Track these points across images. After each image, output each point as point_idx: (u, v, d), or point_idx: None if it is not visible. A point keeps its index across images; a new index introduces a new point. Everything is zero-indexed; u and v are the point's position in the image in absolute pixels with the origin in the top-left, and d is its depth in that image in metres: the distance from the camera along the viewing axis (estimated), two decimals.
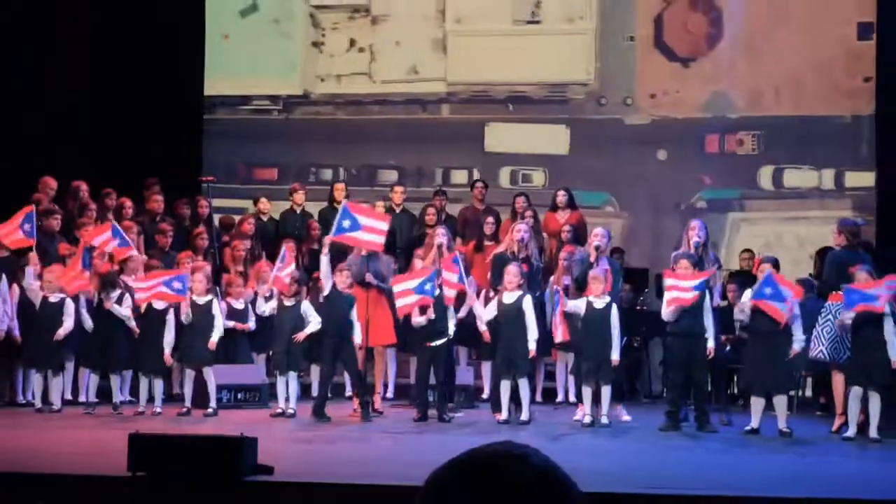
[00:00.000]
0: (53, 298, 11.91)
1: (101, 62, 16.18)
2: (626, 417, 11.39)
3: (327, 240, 11.73)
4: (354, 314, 11.48)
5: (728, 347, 11.88)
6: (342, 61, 16.85)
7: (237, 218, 14.83)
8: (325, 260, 11.63)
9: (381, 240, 11.64)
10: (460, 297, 11.90)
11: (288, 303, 11.83)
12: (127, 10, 16.22)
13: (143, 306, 11.90)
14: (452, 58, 16.58)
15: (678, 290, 10.81)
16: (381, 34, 16.74)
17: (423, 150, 16.57)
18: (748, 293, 10.83)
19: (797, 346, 10.62)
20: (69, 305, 11.90)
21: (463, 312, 11.91)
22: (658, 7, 16.25)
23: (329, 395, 12.88)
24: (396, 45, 16.70)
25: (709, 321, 10.81)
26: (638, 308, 13.41)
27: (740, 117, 15.99)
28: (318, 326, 11.78)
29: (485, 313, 11.48)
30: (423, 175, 16.44)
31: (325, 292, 11.56)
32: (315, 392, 13.07)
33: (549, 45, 16.40)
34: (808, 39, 15.71)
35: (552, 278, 12.16)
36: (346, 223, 11.45)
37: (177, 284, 11.66)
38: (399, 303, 11.35)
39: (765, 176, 15.90)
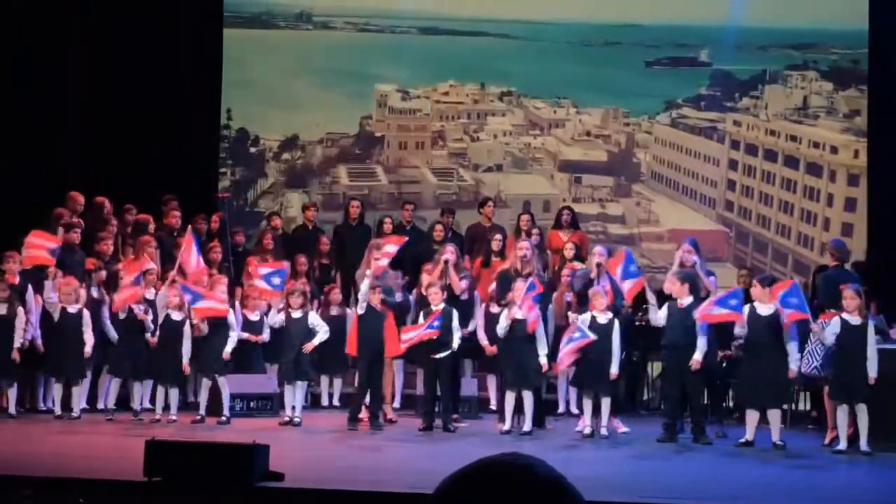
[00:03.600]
0: (72, 309, 11.94)
1: (123, 81, 16.22)
2: (624, 429, 11.35)
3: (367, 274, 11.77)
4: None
5: (724, 363, 11.83)
6: None
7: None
8: (364, 284, 11.60)
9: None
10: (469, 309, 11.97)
11: (296, 314, 11.82)
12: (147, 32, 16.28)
13: (161, 317, 11.95)
14: None
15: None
16: None
17: None
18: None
19: (794, 365, 10.58)
20: (88, 317, 11.92)
21: (471, 326, 11.89)
22: None
23: (339, 404, 12.93)
24: None
25: (701, 335, 10.78)
26: (637, 323, 13.38)
27: None
28: (326, 336, 11.82)
29: (498, 328, 11.40)
30: None
31: (361, 311, 11.56)
32: (326, 401, 13.17)
33: None
34: None
35: (555, 294, 12.15)
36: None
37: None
38: (406, 337, 11.38)
39: None
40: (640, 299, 13.77)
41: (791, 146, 16.74)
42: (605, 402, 11.06)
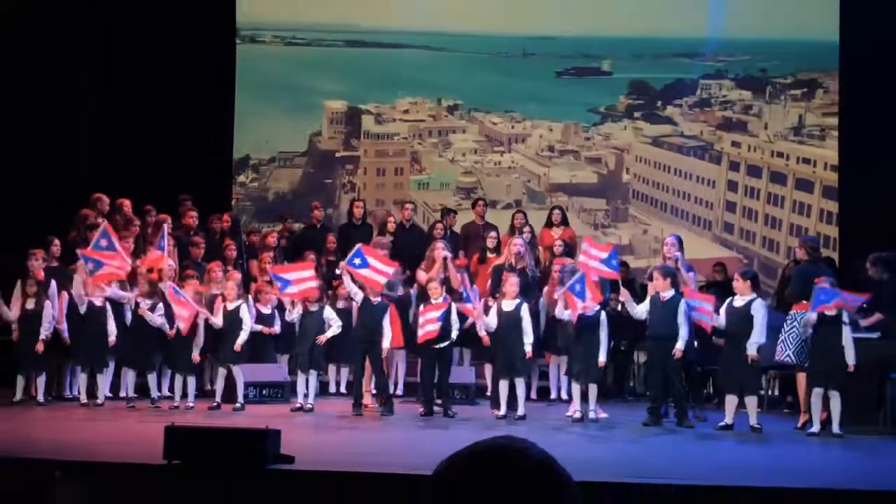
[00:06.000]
0: (98, 302, 11.97)
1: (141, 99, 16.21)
2: (603, 415, 11.31)
3: (343, 267, 11.68)
4: (387, 321, 11.47)
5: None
6: None
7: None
8: (347, 279, 11.62)
9: (384, 280, 11.47)
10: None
11: (312, 308, 11.88)
12: (159, 37, 16.26)
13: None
14: None
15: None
16: None
17: None
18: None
19: (751, 350, 10.57)
20: (111, 309, 11.95)
21: (470, 321, 11.87)
22: None
23: (346, 391, 12.93)
24: None
25: (683, 326, 10.78)
26: (624, 314, 13.36)
27: None
28: (339, 330, 11.85)
29: (487, 323, 11.41)
30: None
31: (357, 303, 11.55)
32: (333, 389, 13.17)
33: None
34: None
35: (546, 288, 12.15)
36: (357, 261, 11.41)
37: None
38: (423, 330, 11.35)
39: None
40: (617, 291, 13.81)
41: (802, 167, 16.25)
42: (592, 389, 11.07)
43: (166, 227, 12.72)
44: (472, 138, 17.13)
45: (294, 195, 17.20)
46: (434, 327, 11.23)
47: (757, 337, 10.55)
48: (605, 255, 11.17)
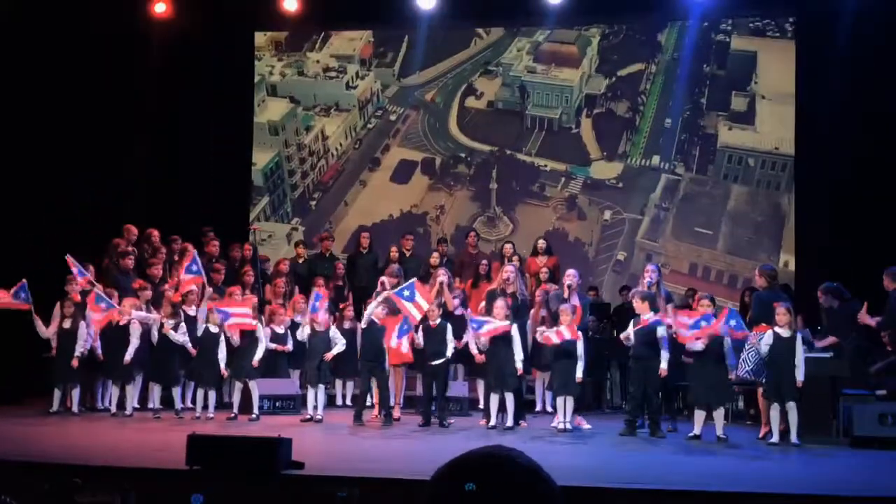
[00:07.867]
0: (125, 322, 11.96)
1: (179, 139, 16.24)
2: (587, 426, 11.29)
3: (387, 294, 11.66)
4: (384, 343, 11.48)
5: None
6: None
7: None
8: (373, 305, 11.62)
9: (417, 316, 11.39)
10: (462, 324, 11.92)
11: (319, 329, 11.86)
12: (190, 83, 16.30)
13: (201, 330, 11.95)
14: None
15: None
16: None
17: None
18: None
19: (731, 373, 10.61)
20: (135, 329, 11.93)
21: (464, 339, 11.84)
22: None
23: (350, 404, 12.88)
24: None
25: (663, 347, 10.77)
26: (606, 337, 13.34)
27: None
28: (343, 348, 11.83)
29: (481, 341, 11.41)
30: None
31: (364, 325, 11.53)
32: (340, 401, 13.13)
33: None
34: None
35: (531, 311, 12.13)
36: (406, 293, 11.37)
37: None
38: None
39: None
40: (605, 316, 13.79)
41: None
42: (569, 401, 11.05)
43: (194, 252, 12.76)
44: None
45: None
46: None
47: (729, 360, 10.59)
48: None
